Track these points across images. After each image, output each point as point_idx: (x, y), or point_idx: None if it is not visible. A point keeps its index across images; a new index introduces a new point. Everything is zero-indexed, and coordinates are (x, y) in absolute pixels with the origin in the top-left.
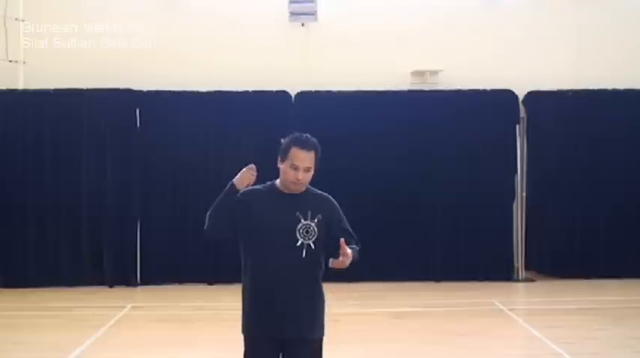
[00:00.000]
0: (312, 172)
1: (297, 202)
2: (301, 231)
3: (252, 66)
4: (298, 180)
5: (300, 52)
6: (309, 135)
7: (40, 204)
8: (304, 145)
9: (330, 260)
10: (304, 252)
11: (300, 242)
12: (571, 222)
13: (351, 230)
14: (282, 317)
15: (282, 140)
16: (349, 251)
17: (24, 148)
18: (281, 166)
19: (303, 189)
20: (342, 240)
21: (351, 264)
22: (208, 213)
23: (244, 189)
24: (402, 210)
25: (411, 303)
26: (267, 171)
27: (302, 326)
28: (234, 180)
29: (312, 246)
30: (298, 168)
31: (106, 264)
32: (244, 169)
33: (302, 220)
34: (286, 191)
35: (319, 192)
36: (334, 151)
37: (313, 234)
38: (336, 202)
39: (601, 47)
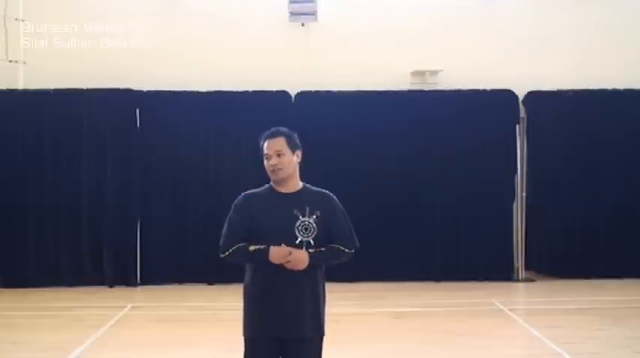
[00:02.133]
0: (288, 157)
1: (295, 200)
2: (300, 228)
3: (252, 66)
4: (273, 166)
5: (300, 52)
6: (278, 127)
7: (40, 204)
8: (269, 135)
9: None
10: (304, 249)
11: (299, 240)
12: (571, 222)
13: (349, 230)
14: (283, 316)
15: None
16: (298, 255)
17: (24, 148)
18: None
19: (284, 175)
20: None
21: (312, 265)
22: (230, 251)
23: (244, 194)
24: (402, 210)
25: (411, 303)
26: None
27: (303, 325)
28: (270, 256)
29: (312, 243)
30: (270, 155)
31: (106, 264)
32: (282, 252)
33: (300, 217)
34: (282, 189)
35: (318, 189)
36: (334, 151)
37: (312, 231)
38: (336, 199)
39: (601, 47)
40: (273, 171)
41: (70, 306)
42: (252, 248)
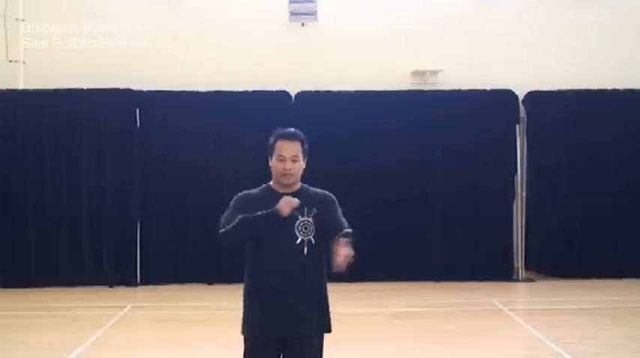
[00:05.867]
0: (300, 163)
1: None
2: (300, 227)
3: (252, 66)
4: (287, 170)
5: (300, 52)
6: (293, 128)
7: (40, 204)
8: (288, 136)
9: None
10: (305, 248)
11: (299, 239)
12: (571, 222)
13: (345, 223)
14: (285, 316)
15: (270, 139)
16: (341, 248)
17: (24, 148)
18: (271, 163)
19: (294, 180)
20: (339, 239)
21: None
22: (232, 224)
23: (240, 195)
24: (401, 210)
25: (411, 303)
26: (267, 172)
27: (305, 325)
28: (279, 209)
29: (313, 241)
30: (285, 158)
31: (106, 264)
32: (287, 201)
33: (299, 217)
34: (281, 190)
35: (316, 189)
36: (334, 151)
37: (312, 229)
38: (334, 197)
39: (601, 47)
40: (284, 174)
41: (70, 306)
42: (257, 213)
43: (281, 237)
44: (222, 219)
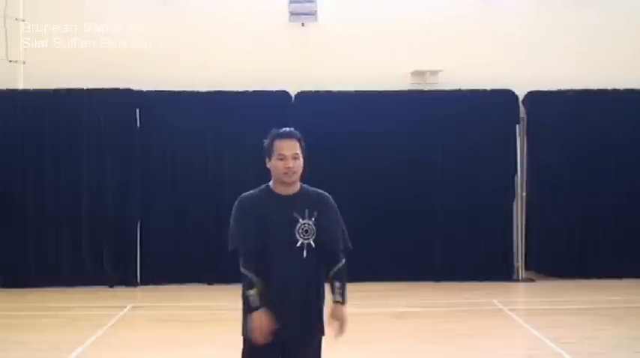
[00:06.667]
0: (300, 161)
1: (294, 202)
2: (300, 231)
3: (252, 66)
4: (288, 168)
5: (300, 52)
6: (287, 128)
7: (40, 204)
8: (285, 135)
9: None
10: (305, 251)
11: (300, 242)
12: (571, 222)
13: (342, 233)
14: (285, 318)
15: (264, 141)
16: (336, 319)
17: (24, 148)
18: (269, 164)
19: (295, 178)
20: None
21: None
22: (247, 275)
23: (243, 196)
24: (401, 210)
25: (411, 303)
26: (267, 172)
27: (305, 327)
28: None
29: (313, 245)
30: (286, 156)
31: (106, 264)
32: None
33: (300, 220)
34: (281, 191)
35: (315, 190)
36: (334, 151)
37: (312, 232)
38: (332, 200)
39: (601, 47)
40: (286, 173)
41: (70, 306)
42: (252, 292)
43: (282, 239)
44: (234, 237)
